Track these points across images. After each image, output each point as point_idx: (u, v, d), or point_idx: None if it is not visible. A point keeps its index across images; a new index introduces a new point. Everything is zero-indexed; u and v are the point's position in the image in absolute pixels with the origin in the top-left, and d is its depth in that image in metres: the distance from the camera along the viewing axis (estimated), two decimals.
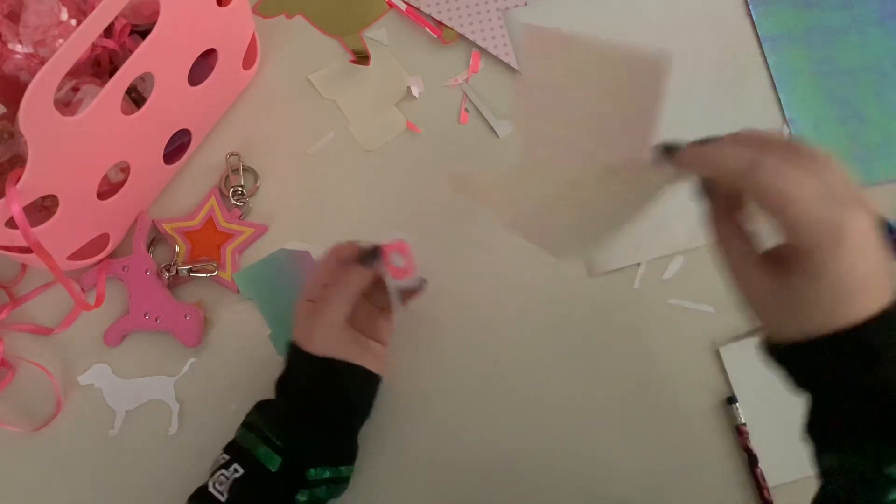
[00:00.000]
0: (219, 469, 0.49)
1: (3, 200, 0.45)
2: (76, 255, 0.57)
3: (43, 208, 0.53)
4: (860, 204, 0.34)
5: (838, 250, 0.33)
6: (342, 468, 0.51)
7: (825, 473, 0.38)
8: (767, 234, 0.37)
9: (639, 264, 0.60)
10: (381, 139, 0.64)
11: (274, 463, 0.48)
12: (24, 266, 0.61)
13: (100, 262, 0.59)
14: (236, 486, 0.48)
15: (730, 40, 0.65)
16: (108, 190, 0.55)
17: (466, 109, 0.64)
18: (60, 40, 0.53)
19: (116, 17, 0.54)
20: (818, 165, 0.34)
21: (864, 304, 0.34)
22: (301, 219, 0.62)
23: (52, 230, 0.50)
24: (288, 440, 0.49)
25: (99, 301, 0.58)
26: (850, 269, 0.33)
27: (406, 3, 0.66)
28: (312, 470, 0.49)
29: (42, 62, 0.49)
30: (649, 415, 0.57)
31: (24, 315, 0.60)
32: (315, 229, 0.61)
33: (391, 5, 0.66)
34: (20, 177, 0.45)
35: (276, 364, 0.52)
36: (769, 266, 0.37)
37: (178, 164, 0.61)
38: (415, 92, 0.64)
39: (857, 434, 0.36)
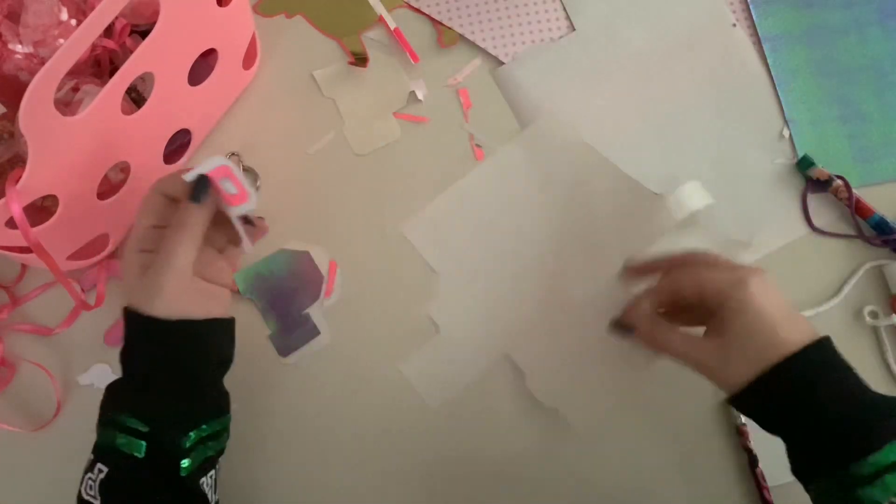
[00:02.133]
0: (85, 473, 0.45)
1: (3, 200, 0.45)
2: (76, 255, 0.57)
3: (43, 208, 0.53)
4: (750, 269, 0.46)
5: (745, 292, 0.44)
6: (215, 421, 0.47)
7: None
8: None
9: None
10: (374, 145, 0.63)
11: (139, 449, 0.43)
12: (24, 266, 0.61)
13: (100, 262, 0.59)
14: (104, 487, 0.43)
15: (730, 40, 0.65)
16: (108, 190, 0.55)
17: (478, 145, 0.63)
18: (60, 40, 0.53)
19: (116, 17, 0.54)
20: (711, 260, 0.49)
21: (785, 337, 0.43)
22: (301, 219, 0.62)
23: (52, 230, 0.50)
24: (151, 419, 0.44)
25: (99, 301, 0.58)
26: (760, 308, 0.44)
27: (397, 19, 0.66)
28: (192, 433, 0.45)
29: (42, 62, 0.49)
30: (650, 414, 0.57)
31: (24, 315, 0.60)
32: (315, 229, 0.61)
33: (382, 21, 0.66)
34: (20, 177, 0.45)
35: (276, 364, 0.52)
36: (706, 338, 0.47)
37: (178, 164, 0.61)
38: (419, 95, 0.64)
39: (822, 463, 0.42)
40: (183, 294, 0.45)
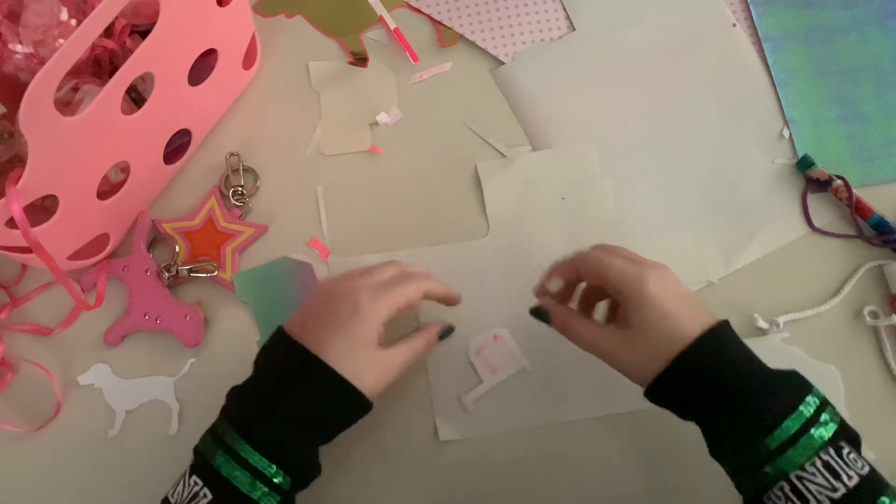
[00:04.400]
0: (186, 488, 0.44)
1: (3, 200, 0.45)
2: (76, 255, 0.57)
3: (43, 208, 0.53)
4: (650, 263, 0.47)
5: (645, 287, 0.45)
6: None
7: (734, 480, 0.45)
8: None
9: None
10: (340, 149, 0.63)
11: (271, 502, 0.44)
12: (24, 266, 0.61)
13: (100, 262, 0.59)
14: None
15: (729, 41, 0.65)
16: (108, 190, 0.55)
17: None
18: (60, 40, 0.53)
19: (116, 17, 0.54)
20: (617, 249, 0.50)
21: (684, 329, 0.44)
22: (301, 219, 0.62)
23: (52, 230, 0.50)
24: (294, 470, 0.45)
25: (99, 301, 0.58)
26: (659, 303, 0.45)
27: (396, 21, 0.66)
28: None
29: (42, 62, 0.49)
30: (649, 415, 0.57)
31: (24, 315, 0.60)
32: (315, 229, 0.61)
33: (382, 21, 0.66)
34: (20, 177, 0.45)
35: None
36: (612, 329, 0.48)
37: (178, 164, 0.62)
38: (384, 120, 0.63)
39: (731, 442, 0.44)
40: (369, 371, 0.48)
